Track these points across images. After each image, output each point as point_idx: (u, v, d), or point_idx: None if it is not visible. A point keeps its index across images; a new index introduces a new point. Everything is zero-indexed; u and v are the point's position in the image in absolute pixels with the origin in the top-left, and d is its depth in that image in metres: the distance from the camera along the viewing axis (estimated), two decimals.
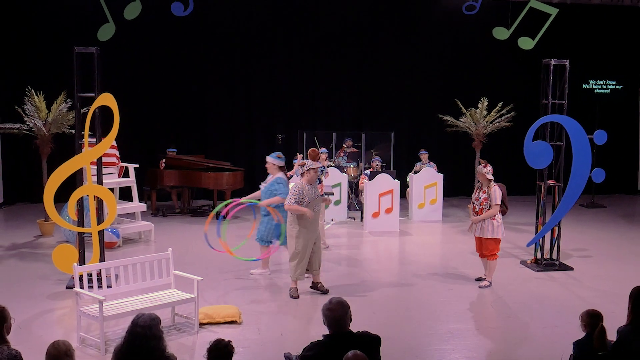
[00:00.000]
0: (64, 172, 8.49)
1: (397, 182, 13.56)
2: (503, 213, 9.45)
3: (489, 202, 9.24)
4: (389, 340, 6.88)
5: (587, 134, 9.89)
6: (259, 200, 9.80)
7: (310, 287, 9.26)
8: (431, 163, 14.92)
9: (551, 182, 10.77)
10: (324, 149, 13.98)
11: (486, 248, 9.42)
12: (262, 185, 9.94)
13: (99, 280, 7.91)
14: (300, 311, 8.52)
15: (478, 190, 9.49)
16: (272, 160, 9.89)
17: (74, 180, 8.99)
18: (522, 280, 10.02)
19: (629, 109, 18.69)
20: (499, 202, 9.24)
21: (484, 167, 9.44)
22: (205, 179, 14.32)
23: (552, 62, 10.59)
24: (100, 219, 8.93)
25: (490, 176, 9.34)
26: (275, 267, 10.30)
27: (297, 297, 8.96)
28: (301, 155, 13.29)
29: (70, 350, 4.43)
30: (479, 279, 9.76)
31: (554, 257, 10.75)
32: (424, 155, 15.07)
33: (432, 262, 10.77)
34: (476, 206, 9.39)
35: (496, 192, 9.25)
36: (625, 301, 5.43)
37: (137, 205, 12.47)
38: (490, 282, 9.61)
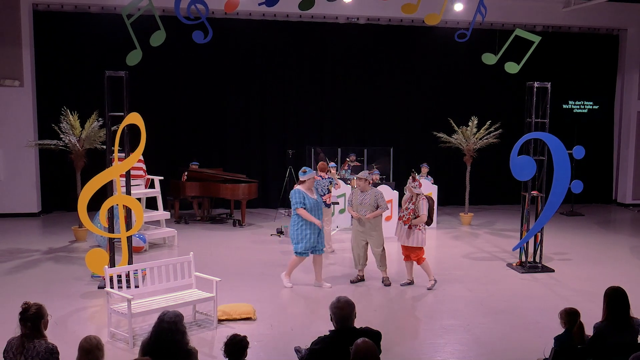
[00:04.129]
0: (96, 183, 8.54)
1: (395, 193, 13.57)
2: (427, 224, 9.45)
3: (415, 213, 9.26)
4: (389, 335, 6.89)
5: (566, 149, 9.88)
6: None
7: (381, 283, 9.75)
8: (429, 176, 14.90)
9: (534, 192, 10.77)
10: (332, 163, 13.98)
11: (414, 255, 9.45)
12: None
13: (128, 281, 7.94)
14: (309, 308, 8.52)
15: (408, 201, 9.44)
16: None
17: (105, 191, 9.04)
18: (508, 281, 10.01)
19: (604, 126, 18.66)
20: (425, 212, 9.26)
21: (412, 181, 9.41)
22: (223, 190, 14.35)
23: (535, 84, 10.61)
24: (128, 225, 8.98)
25: (417, 190, 9.34)
26: (277, 270, 10.28)
27: (353, 282, 9.75)
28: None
29: (100, 344, 4.43)
30: (405, 284, 9.65)
31: (537, 260, 10.73)
32: (424, 168, 15.05)
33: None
34: (404, 215, 9.37)
35: (423, 204, 9.27)
36: (601, 300, 5.44)
37: (161, 214, 12.51)
38: (436, 280, 9.57)
